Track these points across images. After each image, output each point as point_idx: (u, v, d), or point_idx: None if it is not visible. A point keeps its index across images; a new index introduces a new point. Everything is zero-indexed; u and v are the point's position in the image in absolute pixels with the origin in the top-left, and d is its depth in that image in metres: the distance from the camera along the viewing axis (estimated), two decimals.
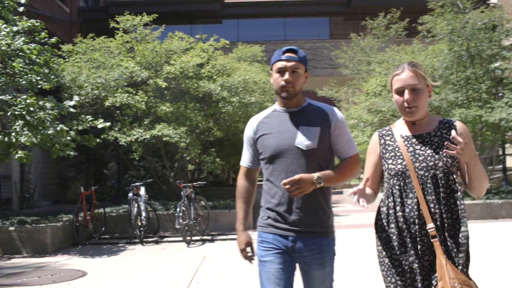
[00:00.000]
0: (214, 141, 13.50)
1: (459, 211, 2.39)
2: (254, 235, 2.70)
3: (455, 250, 2.35)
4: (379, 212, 2.57)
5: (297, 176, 2.45)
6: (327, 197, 2.70)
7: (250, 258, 2.80)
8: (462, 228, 2.38)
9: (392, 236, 2.46)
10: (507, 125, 10.72)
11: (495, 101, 11.21)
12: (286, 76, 2.61)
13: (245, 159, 2.88)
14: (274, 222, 2.65)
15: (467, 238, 2.37)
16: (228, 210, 10.81)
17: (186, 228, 9.37)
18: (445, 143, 2.35)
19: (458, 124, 2.52)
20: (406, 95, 2.46)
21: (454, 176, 2.44)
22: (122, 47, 11.85)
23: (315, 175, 2.50)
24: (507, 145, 15.23)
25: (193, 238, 9.43)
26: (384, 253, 2.49)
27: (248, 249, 2.79)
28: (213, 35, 12.75)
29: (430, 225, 2.34)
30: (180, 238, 9.51)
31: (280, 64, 2.63)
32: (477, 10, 11.74)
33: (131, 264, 7.35)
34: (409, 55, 13.93)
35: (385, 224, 2.51)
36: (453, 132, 2.26)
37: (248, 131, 2.82)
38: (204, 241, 9.50)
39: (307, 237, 2.60)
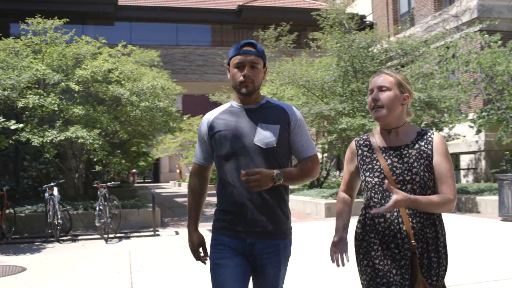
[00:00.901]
0: (119, 144, 14.01)
1: (437, 225, 2.43)
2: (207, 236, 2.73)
3: (435, 263, 2.39)
4: (359, 221, 2.55)
5: (257, 169, 2.38)
6: (286, 197, 2.63)
7: (203, 259, 2.72)
8: (441, 241, 2.43)
9: (373, 246, 2.44)
10: None
11: None
12: (245, 71, 2.51)
13: (198, 156, 2.75)
14: (230, 224, 2.55)
15: (445, 252, 2.44)
16: (137, 209, 11.49)
17: (103, 226, 9.95)
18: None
19: (435, 137, 2.49)
20: (373, 94, 2.49)
21: (430, 191, 2.41)
22: (27, 48, 12.01)
23: (275, 171, 2.44)
24: None
25: (109, 235, 10.01)
26: (365, 262, 2.46)
27: (201, 249, 2.72)
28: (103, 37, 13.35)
29: (412, 241, 2.34)
30: (95, 236, 10.11)
31: (239, 58, 2.53)
32: (363, 31, 13.52)
33: (65, 259, 7.85)
34: (296, 66, 15.45)
35: (363, 233, 2.49)
36: (386, 184, 2.25)
37: (202, 127, 2.69)
38: (120, 238, 10.09)
39: (265, 239, 2.52)
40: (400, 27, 20.83)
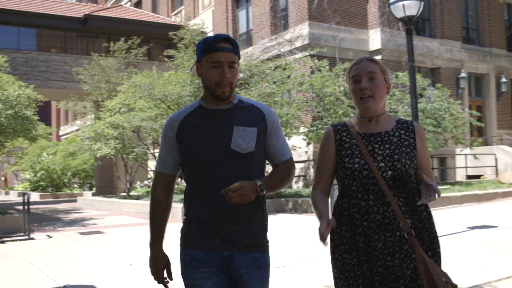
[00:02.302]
0: None
1: (422, 212, 2.38)
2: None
3: (427, 248, 2.34)
4: (333, 213, 2.47)
5: (238, 184, 2.21)
6: (264, 207, 2.46)
7: (166, 283, 2.47)
8: (430, 221, 2.39)
9: (343, 239, 2.38)
10: None
11: None
12: (224, 72, 2.30)
13: (165, 165, 2.45)
14: (204, 237, 2.35)
15: (435, 231, 2.41)
16: (2, 216, 11.85)
17: None
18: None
19: (416, 126, 2.49)
20: (363, 82, 2.40)
21: (412, 178, 2.38)
22: None
23: (258, 182, 2.28)
24: None
25: None
26: (335, 255, 2.41)
27: (165, 272, 2.46)
28: None
29: (404, 222, 2.28)
30: None
31: (214, 56, 2.29)
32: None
33: None
34: (149, 79, 16.72)
35: (338, 225, 2.41)
36: (420, 175, 2.31)
37: (169, 130, 2.42)
38: None
39: (244, 252, 2.35)
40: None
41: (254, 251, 2.40)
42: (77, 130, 37.64)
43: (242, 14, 25.56)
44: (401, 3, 8.69)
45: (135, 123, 15.28)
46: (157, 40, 26.59)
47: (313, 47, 19.51)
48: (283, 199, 15.09)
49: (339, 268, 2.41)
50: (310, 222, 12.05)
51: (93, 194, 24.67)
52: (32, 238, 10.59)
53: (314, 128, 17.54)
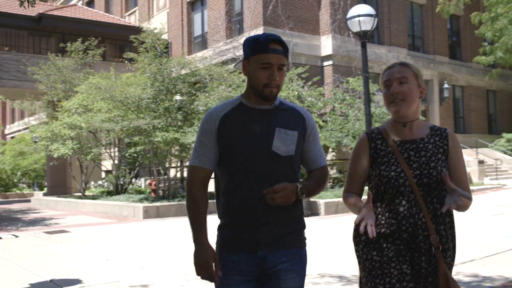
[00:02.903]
0: None
1: (451, 221, 2.42)
2: None
3: (449, 260, 2.39)
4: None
5: (282, 185, 2.25)
6: (301, 205, 2.47)
7: (213, 278, 2.35)
8: (453, 238, 2.44)
9: (374, 241, 2.39)
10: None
11: (187, 127, 15.38)
12: (274, 74, 2.30)
13: (206, 159, 2.38)
14: (241, 238, 2.34)
15: (455, 248, 2.45)
16: None
17: None
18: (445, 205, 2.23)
19: (450, 132, 2.50)
20: (393, 86, 2.41)
21: (445, 187, 2.35)
22: None
23: (299, 185, 2.32)
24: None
25: None
26: (364, 256, 2.43)
27: (213, 265, 2.35)
28: None
29: (433, 236, 2.31)
30: None
31: (266, 58, 2.29)
32: (177, 58, 15.78)
33: None
34: (107, 80, 17.07)
35: (377, 224, 2.42)
36: (445, 177, 2.30)
37: (210, 125, 2.37)
38: None
39: (281, 250, 2.36)
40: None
41: (291, 248, 2.40)
42: (25, 129, 37.17)
43: (197, 17, 26.06)
44: (357, 19, 9.51)
45: (96, 124, 15.59)
46: (111, 40, 26.77)
47: None
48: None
49: (367, 267, 2.41)
50: None
51: (45, 194, 24.63)
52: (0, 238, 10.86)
53: None
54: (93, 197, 18.84)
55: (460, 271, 6.00)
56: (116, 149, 20.37)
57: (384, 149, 2.46)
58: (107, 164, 23.12)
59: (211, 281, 2.37)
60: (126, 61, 16.53)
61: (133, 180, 20.41)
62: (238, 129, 2.36)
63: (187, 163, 17.40)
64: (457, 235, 2.52)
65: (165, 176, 16.60)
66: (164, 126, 15.18)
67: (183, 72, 16.08)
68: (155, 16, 27.90)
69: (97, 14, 28.28)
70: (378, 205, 2.44)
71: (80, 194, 20.70)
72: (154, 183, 16.69)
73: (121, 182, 19.64)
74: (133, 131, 15.15)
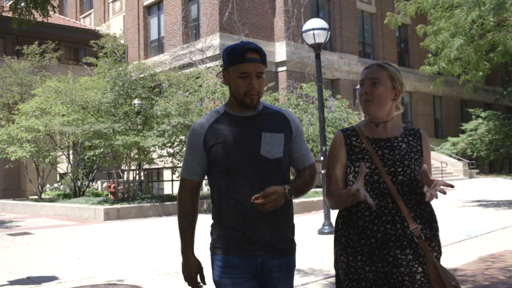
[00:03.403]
0: None
1: (430, 216, 2.45)
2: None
3: (437, 249, 2.43)
4: (339, 216, 2.53)
5: (271, 189, 2.32)
6: (292, 210, 2.56)
7: (200, 287, 2.52)
8: (435, 227, 2.46)
9: (349, 242, 2.44)
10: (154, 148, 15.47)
11: (147, 131, 15.83)
12: (253, 82, 2.38)
13: (193, 171, 2.51)
14: (238, 242, 2.42)
15: (440, 244, 2.47)
16: None
17: None
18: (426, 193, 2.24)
19: (423, 134, 2.56)
20: (365, 87, 2.47)
21: (420, 184, 2.42)
22: None
23: (286, 187, 2.39)
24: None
25: None
26: (341, 257, 2.47)
27: (198, 277, 2.52)
28: None
29: (414, 225, 2.34)
30: None
31: (244, 68, 2.37)
32: (137, 63, 16.22)
33: None
34: (64, 85, 17.31)
35: (344, 227, 2.48)
36: (424, 167, 2.34)
37: (196, 138, 2.48)
38: None
39: (277, 256, 2.45)
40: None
41: (286, 255, 2.49)
42: None
43: (153, 21, 26.44)
44: (311, 32, 10.25)
45: (56, 128, 15.84)
46: (66, 43, 26.82)
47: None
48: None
49: (344, 269, 2.45)
50: None
51: None
52: None
53: None
54: (50, 200, 18.96)
55: None
56: (73, 152, 20.50)
57: (358, 146, 2.51)
58: (63, 167, 23.20)
59: None
60: (85, 65, 16.83)
61: (91, 183, 20.63)
62: (225, 138, 2.44)
63: (146, 166, 17.86)
64: None
65: (125, 179, 16.96)
66: (124, 130, 15.57)
67: (142, 76, 16.51)
68: (111, 19, 28.09)
69: (51, 16, 28.20)
70: (354, 205, 2.46)
71: (36, 197, 20.75)
72: (113, 185, 17.04)
73: (79, 185, 19.83)
74: (93, 134, 15.48)
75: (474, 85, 15.87)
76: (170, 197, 17.19)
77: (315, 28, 10.24)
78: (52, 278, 6.79)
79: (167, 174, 22.52)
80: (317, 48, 10.42)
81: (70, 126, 15.36)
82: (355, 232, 2.44)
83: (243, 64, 2.37)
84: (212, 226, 2.55)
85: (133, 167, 17.21)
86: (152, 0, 26.10)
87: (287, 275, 2.50)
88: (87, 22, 30.14)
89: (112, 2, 28.90)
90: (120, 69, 15.77)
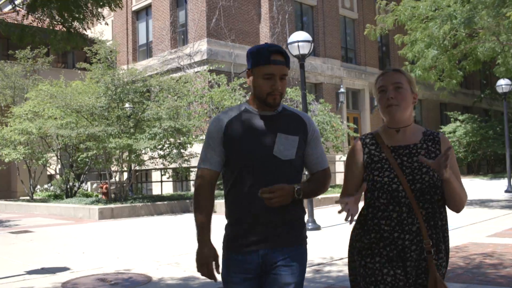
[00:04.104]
0: None
1: (444, 225, 2.48)
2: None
3: (441, 262, 2.44)
4: (358, 221, 2.57)
5: (278, 186, 2.41)
6: (302, 206, 2.61)
7: (213, 276, 2.53)
8: (447, 240, 2.50)
9: (365, 246, 2.49)
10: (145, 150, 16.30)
11: (139, 134, 16.63)
12: (276, 84, 2.48)
13: (213, 161, 2.57)
14: (243, 238, 2.51)
15: (448, 251, 2.51)
16: None
17: None
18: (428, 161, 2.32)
19: (442, 137, 2.55)
20: (389, 92, 2.47)
21: (439, 191, 2.43)
22: None
23: (296, 186, 2.46)
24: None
25: None
26: (358, 262, 2.50)
27: (214, 264, 2.53)
28: None
29: (426, 241, 2.37)
30: None
31: (268, 69, 2.47)
32: (129, 69, 17.01)
33: None
34: (56, 89, 18.06)
35: (361, 233, 2.52)
36: (421, 157, 2.34)
37: (215, 130, 2.55)
38: None
39: (280, 247, 2.50)
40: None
41: (290, 245, 2.53)
42: None
43: (142, 26, 27.21)
44: (296, 44, 11.19)
45: (52, 130, 16.57)
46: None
47: (211, 62, 21.76)
48: (187, 201, 17.17)
49: (361, 274, 2.49)
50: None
51: None
52: None
53: None
54: (42, 201, 19.63)
55: None
56: (64, 154, 21.17)
57: (378, 155, 2.53)
58: (52, 169, 23.85)
59: (210, 279, 2.54)
60: (78, 70, 17.58)
61: (82, 184, 21.36)
62: (242, 133, 2.52)
63: (136, 167, 18.63)
64: None
65: (117, 180, 17.74)
66: (117, 133, 16.35)
67: (134, 82, 17.31)
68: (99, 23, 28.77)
69: (44, 19, 28.78)
70: (370, 211, 2.52)
71: (27, 197, 21.42)
72: (105, 186, 17.81)
73: (70, 186, 20.51)
74: (86, 137, 16.24)
75: (453, 88, 16.87)
76: (160, 197, 18.04)
77: (300, 40, 11.17)
78: (64, 269, 7.60)
79: (155, 176, 23.32)
80: (301, 58, 11.35)
81: (65, 129, 16.10)
82: (371, 237, 2.49)
83: (268, 65, 2.48)
84: (225, 225, 2.64)
85: (123, 169, 17.95)
86: (141, 5, 26.87)
87: (290, 263, 2.51)
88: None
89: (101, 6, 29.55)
90: (114, 75, 16.54)
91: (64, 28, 5.58)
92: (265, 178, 2.49)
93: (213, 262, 2.53)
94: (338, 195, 14.45)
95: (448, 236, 2.52)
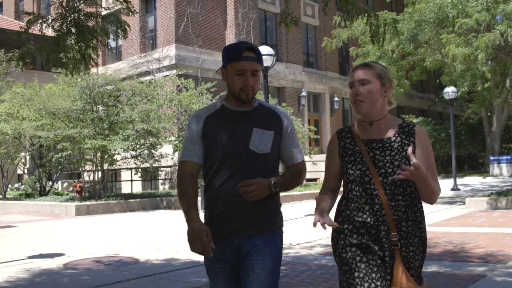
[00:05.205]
0: None
1: (418, 217, 2.52)
2: None
3: (412, 254, 2.48)
4: (336, 213, 2.65)
5: (254, 180, 2.51)
6: (278, 198, 2.72)
7: (207, 248, 2.55)
8: (423, 232, 2.55)
9: (341, 235, 2.56)
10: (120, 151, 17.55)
11: (113, 136, 17.86)
12: (248, 79, 2.58)
13: (192, 154, 2.67)
14: (218, 229, 2.61)
15: (424, 243, 2.56)
16: None
17: None
18: (397, 171, 2.40)
19: (418, 129, 2.58)
20: (355, 88, 2.55)
21: (412, 184, 2.48)
22: None
23: (272, 180, 2.57)
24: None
25: None
26: (336, 252, 2.59)
27: (207, 237, 2.55)
28: None
29: (393, 234, 2.42)
30: None
31: (240, 65, 2.57)
32: (104, 74, 18.22)
33: None
34: (30, 91, 19.13)
35: (340, 224, 2.58)
36: (409, 150, 2.39)
37: (193, 126, 2.67)
38: None
39: (254, 237, 2.60)
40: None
41: (264, 234, 2.62)
42: None
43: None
44: None
45: (30, 132, 17.64)
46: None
47: (179, 67, 23.06)
48: (158, 198, 18.49)
49: (338, 263, 2.57)
50: (181, 216, 15.59)
51: None
52: None
53: (180, 138, 21.10)
54: (14, 199, 20.58)
55: None
56: (37, 154, 22.14)
57: (352, 148, 2.60)
58: (21, 168, 24.74)
59: (204, 254, 2.56)
60: (54, 75, 18.62)
61: (54, 183, 22.38)
62: (219, 129, 2.64)
63: (109, 167, 19.79)
64: None
65: (91, 179, 18.91)
66: (92, 134, 17.55)
67: (109, 87, 18.50)
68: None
69: (6, 21, 29.52)
70: (344, 202, 2.62)
71: (0, 196, 22.30)
72: (79, 185, 18.95)
73: (43, 185, 21.43)
74: (62, 138, 17.38)
75: (409, 92, 18.56)
76: (132, 195, 19.30)
77: (263, 54, 12.66)
78: (60, 254, 8.85)
79: (124, 175, 24.48)
80: (265, 70, 12.83)
81: (43, 131, 17.19)
82: (346, 227, 2.57)
83: (239, 62, 2.58)
84: (204, 216, 2.72)
85: (97, 168, 19.10)
86: (111, 10, 27.84)
87: (262, 250, 2.61)
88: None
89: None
90: (89, 79, 17.72)
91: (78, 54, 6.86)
92: (241, 172, 2.59)
93: (205, 235, 2.56)
94: (299, 193, 16.01)
95: (424, 228, 2.57)
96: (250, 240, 2.62)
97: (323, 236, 9.51)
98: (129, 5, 6.87)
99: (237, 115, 2.68)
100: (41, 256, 8.75)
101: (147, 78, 23.59)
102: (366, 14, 7.08)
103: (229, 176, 2.61)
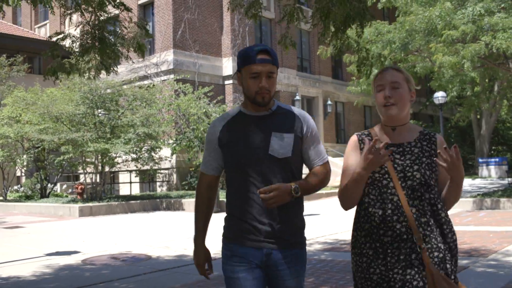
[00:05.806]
0: None
1: (439, 222, 2.47)
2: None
3: (444, 258, 2.43)
4: (355, 215, 2.63)
5: (274, 185, 2.45)
6: (302, 206, 2.68)
7: (207, 274, 2.76)
8: (450, 236, 2.49)
9: (356, 243, 2.56)
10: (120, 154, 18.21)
11: (115, 139, 18.52)
12: (263, 82, 2.52)
13: (210, 166, 2.72)
14: (246, 234, 2.57)
15: (456, 245, 2.51)
16: None
17: None
18: (437, 153, 2.40)
19: (439, 138, 2.58)
20: (386, 91, 2.52)
21: (431, 189, 2.46)
22: None
23: (293, 185, 2.51)
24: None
25: None
26: (352, 256, 2.60)
27: (206, 265, 2.75)
28: None
29: (417, 235, 2.39)
30: None
31: (254, 68, 2.51)
32: (106, 80, 18.88)
33: None
34: (32, 95, 19.74)
35: (354, 229, 2.59)
36: (442, 151, 2.34)
37: (212, 135, 2.67)
38: None
39: (283, 250, 2.56)
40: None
41: (293, 248, 2.59)
42: None
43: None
44: None
45: (34, 135, 18.25)
46: (22, 52, 28.82)
47: (177, 72, 23.73)
48: (157, 200, 19.16)
49: (353, 268, 2.59)
50: (182, 216, 16.23)
51: None
52: None
53: (178, 141, 21.76)
54: (16, 201, 21.17)
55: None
56: (38, 156, 22.74)
57: None
58: (19, 171, 25.30)
59: (206, 277, 2.81)
60: (57, 79, 19.24)
61: (54, 185, 22.99)
62: (237, 136, 2.60)
63: (111, 169, 20.43)
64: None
65: (92, 181, 19.54)
66: (95, 138, 18.20)
67: (108, 90, 19.16)
68: (68, 30, 30.21)
69: (6, 26, 30.04)
70: (362, 208, 2.58)
71: (1, 198, 22.87)
72: (80, 187, 19.59)
73: (44, 187, 22.01)
74: (65, 141, 18.02)
75: None
76: (133, 197, 19.96)
77: None
78: (76, 252, 9.49)
79: (123, 177, 25.11)
80: None
81: (48, 134, 17.82)
82: (361, 234, 2.54)
83: (254, 65, 2.52)
84: (224, 218, 2.71)
85: (98, 171, 19.73)
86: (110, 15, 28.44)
87: (293, 267, 2.59)
88: (42, 32, 32.12)
89: (70, 13, 30.96)
90: (92, 85, 18.38)
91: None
92: (262, 177, 2.56)
93: (206, 264, 2.77)
94: None
95: (450, 232, 2.51)
96: (280, 253, 2.58)
97: (319, 235, 10.23)
98: (148, 31, 7.55)
99: (255, 120, 2.62)
100: (58, 253, 9.36)
101: (145, 82, 24.25)
102: (356, 46, 7.66)
103: (250, 183, 2.58)
